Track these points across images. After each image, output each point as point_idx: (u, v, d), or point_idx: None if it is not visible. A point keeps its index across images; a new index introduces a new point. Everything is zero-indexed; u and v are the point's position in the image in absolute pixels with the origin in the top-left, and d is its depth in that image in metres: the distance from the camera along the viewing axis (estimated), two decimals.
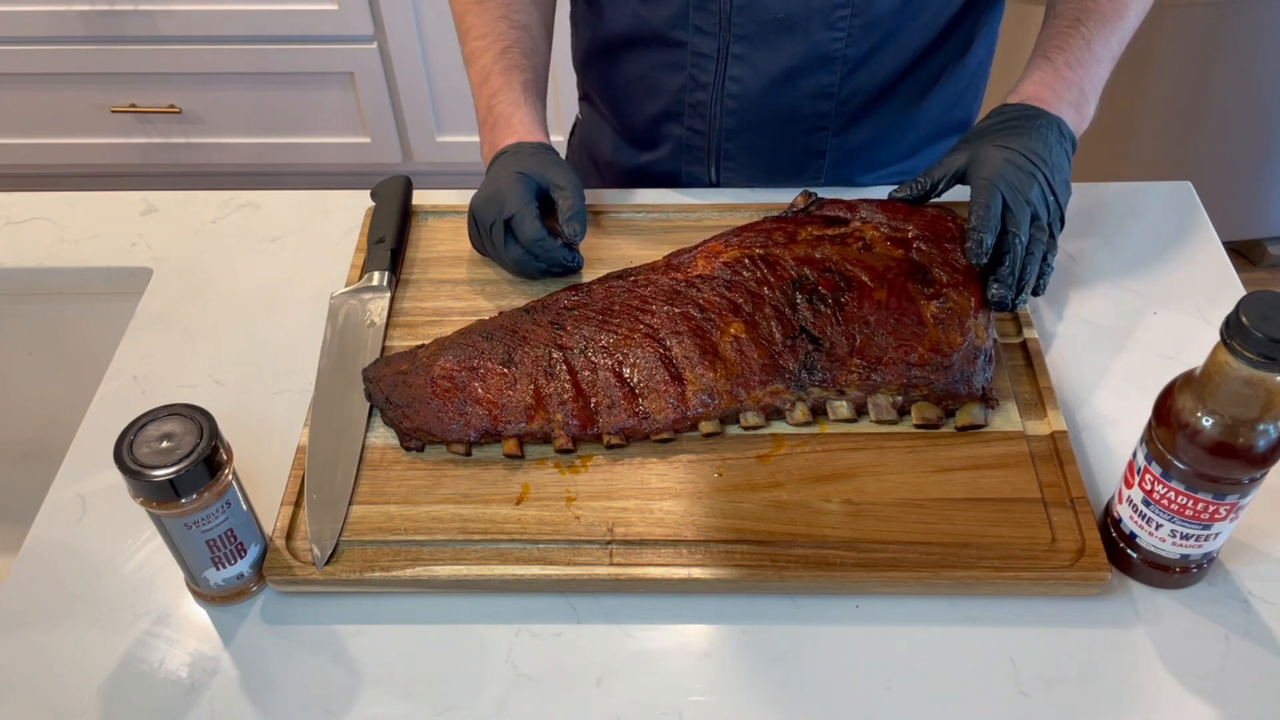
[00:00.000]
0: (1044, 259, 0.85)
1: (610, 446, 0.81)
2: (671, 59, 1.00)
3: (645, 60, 1.02)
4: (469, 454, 0.81)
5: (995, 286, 0.83)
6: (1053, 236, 0.86)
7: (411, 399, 0.81)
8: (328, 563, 0.74)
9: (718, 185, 1.07)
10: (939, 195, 0.90)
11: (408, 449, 0.81)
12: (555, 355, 0.83)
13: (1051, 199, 0.85)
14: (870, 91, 1.00)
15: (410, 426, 0.81)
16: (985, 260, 0.83)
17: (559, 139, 1.20)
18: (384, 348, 0.89)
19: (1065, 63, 0.89)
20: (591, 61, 1.10)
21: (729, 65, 0.98)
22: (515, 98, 0.96)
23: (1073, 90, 0.89)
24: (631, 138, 1.11)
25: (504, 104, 0.96)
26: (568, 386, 0.81)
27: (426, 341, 0.87)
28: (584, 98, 1.18)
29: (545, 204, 0.92)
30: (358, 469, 0.80)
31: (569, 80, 1.15)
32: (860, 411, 0.82)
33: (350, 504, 0.78)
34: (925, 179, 0.89)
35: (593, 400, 0.81)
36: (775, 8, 0.94)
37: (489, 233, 0.91)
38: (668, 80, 1.02)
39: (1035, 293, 0.86)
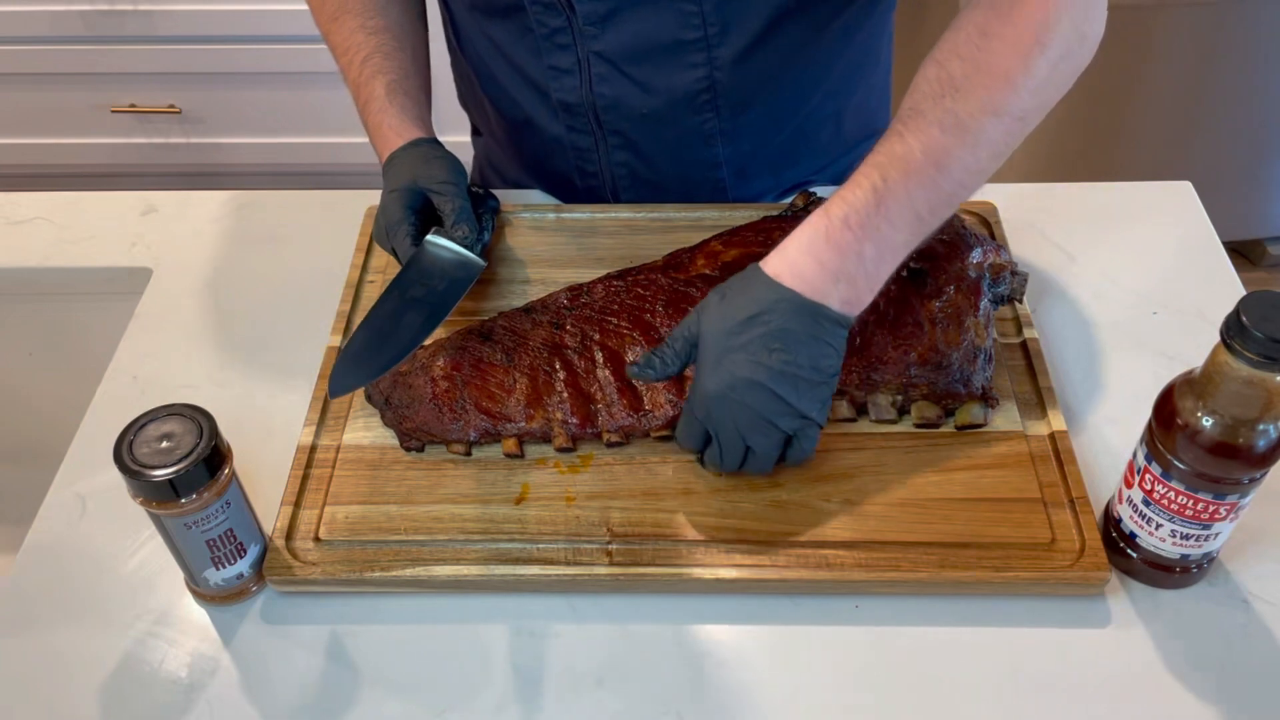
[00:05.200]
0: (789, 441, 0.75)
1: (610, 445, 0.81)
2: (558, 146, 1.01)
3: (535, 142, 1.03)
4: (469, 454, 0.81)
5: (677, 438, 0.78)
6: (794, 437, 0.74)
7: (411, 399, 0.81)
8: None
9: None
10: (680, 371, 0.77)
11: (408, 449, 0.81)
12: (555, 355, 0.83)
13: (786, 412, 0.72)
14: (757, 144, 1.00)
15: (410, 426, 0.81)
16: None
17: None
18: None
19: (844, 221, 0.71)
20: (483, 133, 1.13)
21: (612, 153, 0.99)
22: (380, 104, 0.91)
23: (847, 258, 0.70)
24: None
25: (374, 114, 0.91)
26: (568, 386, 0.81)
27: (426, 342, 0.86)
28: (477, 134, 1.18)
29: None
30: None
31: None
32: (860, 411, 0.82)
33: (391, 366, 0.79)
34: (659, 367, 0.75)
35: (593, 400, 0.81)
36: (638, 105, 0.94)
37: (399, 260, 0.87)
38: (559, 160, 1.03)
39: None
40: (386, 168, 0.89)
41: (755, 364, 0.70)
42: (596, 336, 0.83)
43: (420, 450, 0.81)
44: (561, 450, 0.80)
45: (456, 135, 1.12)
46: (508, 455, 0.81)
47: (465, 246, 0.86)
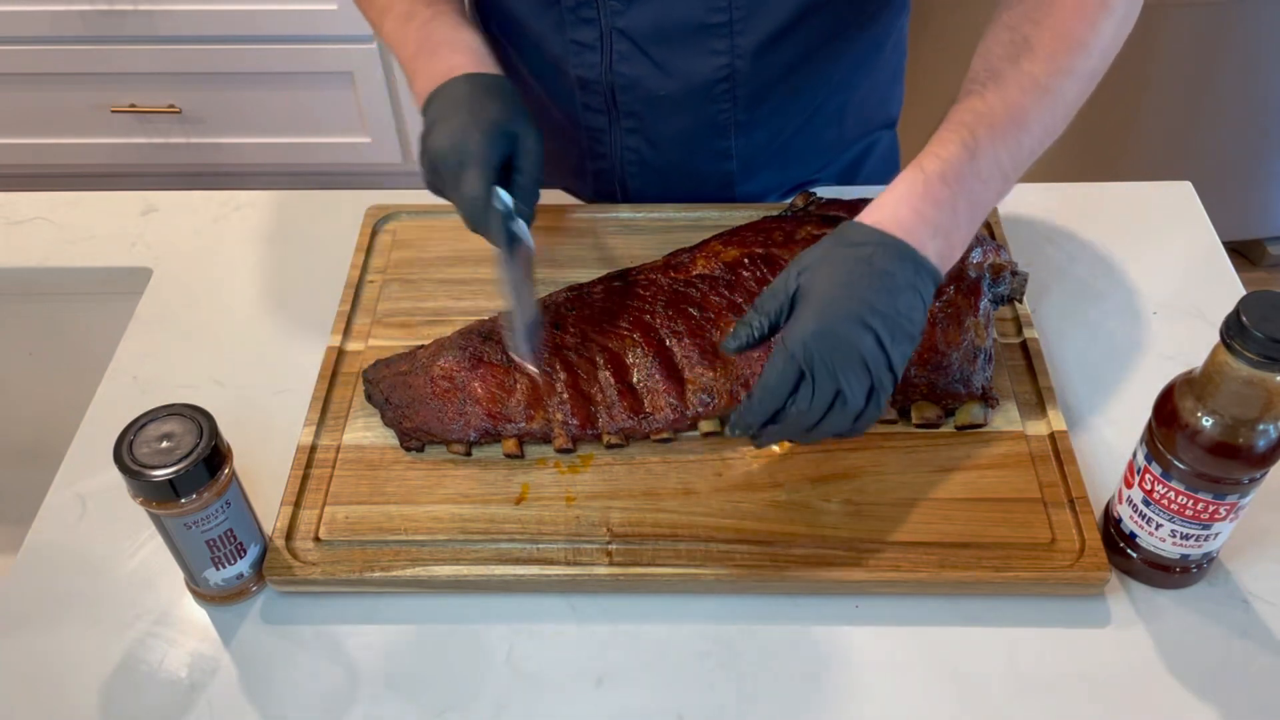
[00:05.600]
0: (869, 396, 0.70)
1: (610, 446, 0.81)
2: (571, 126, 1.01)
3: (550, 121, 1.03)
4: (469, 454, 0.81)
5: (733, 422, 0.72)
6: (874, 390, 0.70)
7: (411, 399, 0.81)
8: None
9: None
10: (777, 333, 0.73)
11: (408, 449, 0.81)
12: (555, 356, 0.83)
13: (880, 358, 0.69)
14: (768, 137, 1.00)
15: (410, 426, 0.81)
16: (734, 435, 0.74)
17: None
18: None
19: (940, 176, 0.70)
20: None
21: (624, 136, 0.99)
22: (454, 21, 0.84)
23: (943, 212, 0.70)
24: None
25: (448, 29, 0.83)
26: (568, 387, 0.81)
27: (426, 341, 0.87)
28: None
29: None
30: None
31: None
32: None
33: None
34: (758, 325, 0.72)
35: (593, 401, 0.81)
36: (656, 87, 0.94)
37: (453, 183, 0.81)
38: (571, 141, 1.03)
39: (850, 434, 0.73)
40: (454, 86, 0.80)
41: (861, 300, 0.68)
42: (596, 337, 0.83)
43: (420, 450, 0.81)
44: (561, 451, 0.80)
45: None
46: (508, 455, 0.81)
47: (522, 220, 0.79)
